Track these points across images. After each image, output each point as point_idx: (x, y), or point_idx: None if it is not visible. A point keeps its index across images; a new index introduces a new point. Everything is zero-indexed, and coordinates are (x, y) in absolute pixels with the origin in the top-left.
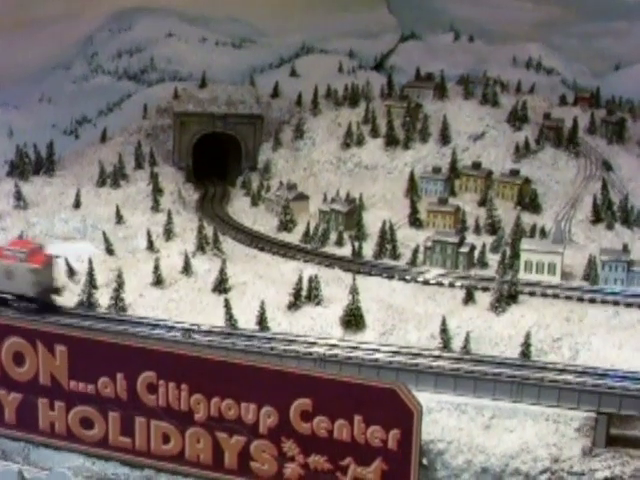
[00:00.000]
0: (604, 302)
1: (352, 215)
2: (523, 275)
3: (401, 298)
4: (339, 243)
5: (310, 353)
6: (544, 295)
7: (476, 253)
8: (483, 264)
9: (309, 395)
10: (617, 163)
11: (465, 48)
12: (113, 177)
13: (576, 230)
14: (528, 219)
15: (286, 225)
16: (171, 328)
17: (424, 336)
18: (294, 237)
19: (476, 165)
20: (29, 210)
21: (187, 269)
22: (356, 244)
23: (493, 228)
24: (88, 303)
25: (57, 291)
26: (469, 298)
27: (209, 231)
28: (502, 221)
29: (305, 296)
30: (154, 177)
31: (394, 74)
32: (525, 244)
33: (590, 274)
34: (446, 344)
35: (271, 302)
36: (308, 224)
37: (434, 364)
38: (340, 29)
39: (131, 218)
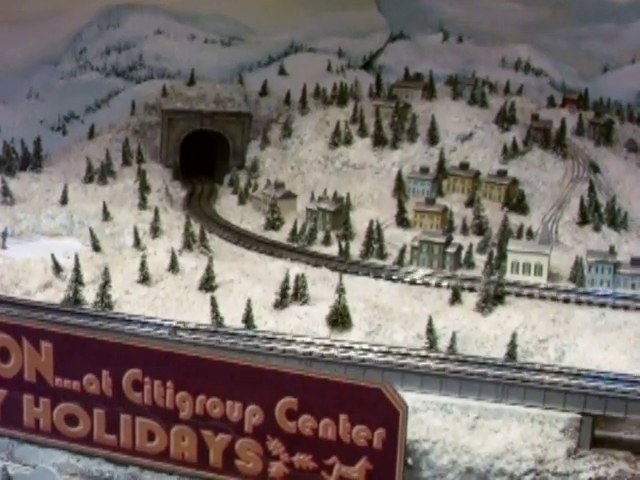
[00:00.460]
0: (590, 304)
1: (339, 214)
2: (510, 276)
3: (387, 298)
4: (326, 242)
5: (296, 352)
6: (530, 296)
7: (463, 253)
8: (470, 264)
9: (295, 394)
10: (604, 165)
11: (454, 48)
12: (100, 174)
13: (563, 231)
14: (515, 220)
15: (273, 223)
16: (157, 325)
17: (410, 336)
18: (281, 236)
19: (464, 165)
20: (15, 206)
21: (174, 267)
22: (343, 243)
23: (480, 229)
24: (74, 300)
25: None
26: (455, 298)
27: (196, 229)
28: (489, 222)
29: (292, 295)
30: (141, 174)
31: (383, 74)
32: (512, 245)
33: (577, 275)
34: (432, 344)
35: (257, 300)
36: (295, 223)
37: (420, 364)
38: (329, 28)
39: (118, 215)
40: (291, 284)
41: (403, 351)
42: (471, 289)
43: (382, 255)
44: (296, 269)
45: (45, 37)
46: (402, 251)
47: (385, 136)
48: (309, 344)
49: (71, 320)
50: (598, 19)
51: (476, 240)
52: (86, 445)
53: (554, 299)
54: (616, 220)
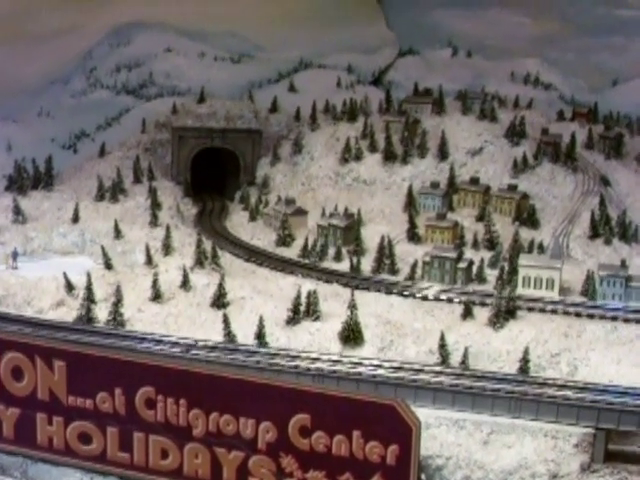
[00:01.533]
0: (602, 317)
1: (350, 230)
2: (521, 290)
3: (399, 313)
4: (337, 258)
5: (309, 369)
6: (542, 310)
7: (474, 268)
8: (481, 279)
9: (308, 411)
10: (615, 178)
11: (463, 63)
12: (111, 191)
13: (574, 245)
14: (526, 234)
15: (284, 240)
16: (170, 343)
17: (422, 351)
18: (292, 252)
19: (474, 180)
20: (27, 224)
21: (185, 284)
22: (354, 259)
23: (491, 243)
24: (87, 318)
25: None
26: (467, 313)
27: (207, 246)
28: (500, 236)
29: (304, 311)
30: (152, 192)
31: (392, 89)
32: (523, 259)
33: (588, 289)
34: (444, 359)
35: (269, 317)
36: (306, 239)
37: (432, 380)
38: (338, 44)
39: (129, 233)
40: (303, 300)
41: (416, 367)
42: (483, 304)
43: (393, 271)
44: (308, 285)
45: (55, 55)
46: (413, 266)
47: (395, 151)
48: (321, 360)
49: (84, 338)
50: (607, 32)
51: (487, 255)
52: (99, 463)
53: (566, 313)
54: (627, 233)
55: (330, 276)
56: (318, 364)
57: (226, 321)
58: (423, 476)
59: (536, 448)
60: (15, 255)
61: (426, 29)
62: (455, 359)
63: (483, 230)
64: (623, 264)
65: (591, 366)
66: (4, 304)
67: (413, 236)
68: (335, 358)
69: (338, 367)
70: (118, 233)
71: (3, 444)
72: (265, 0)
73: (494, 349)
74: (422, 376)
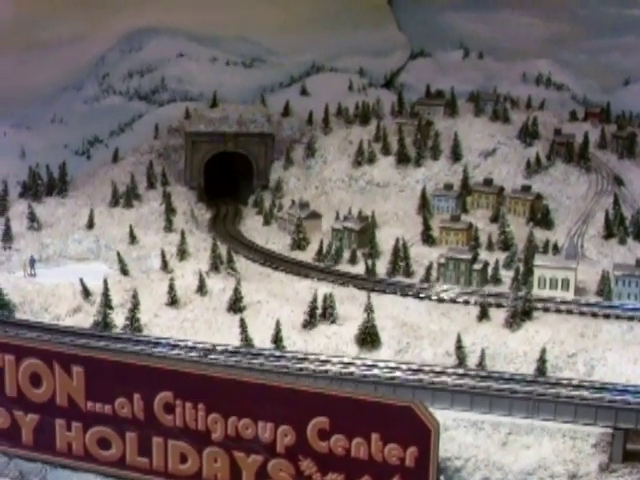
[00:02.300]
0: (618, 317)
1: (365, 233)
2: (537, 291)
3: (415, 315)
4: (352, 261)
5: (326, 371)
6: (558, 311)
7: (489, 269)
8: (496, 280)
9: (326, 414)
10: (628, 178)
11: (475, 65)
12: (126, 197)
13: (588, 245)
14: (540, 235)
15: (299, 243)
16: (187, 348)
17: (439, 353)
18: (307, 255)
19: (488, 181)
20: (42, 231)
21: (202, 289)
22: (369, 262)
23: (506, 244)
24: (104, 324)
25: None
26: (483, 315)
27: (223, 250)
28: (514, 237)
29: (320, 314)
30: (166, 197)
31: (404, 92)
32: (538, 260)
33: (604, 289)
34: (462, 361)
35: (286, 321)
36: (321, 242)
37: (450, 381)
38: (350, 47)
39: (144, 238)
40: (319, 304)
41: (433, 369)
42: (498, 305)
43: (409, 273)
44: (323, 289)
45: (68, 62)
46: (428, 268)
47: (408, 154)
48: (339, 364)
49: (101, 344)
50: (618, 32)
51: (502, 256)
52: (119, 468)
53: (582, 313)
54: None
55: (346, 279)
56: (335, 367)
57: (243, 325)
58: (442, 478)
59: (554, 448)
60: (32, 262)
61: (437, 31)
62: (472, 361)
63: (497, 231)
64: (638, 263)
65: (608, 366)
66: (21, 311)
67: (427, 238)
68: (352, 361)
69: (355, 370)
70: (133, 239)
71: (22, 450)
72: (276, 4)
73: (511, 350)
74: (440, 378)
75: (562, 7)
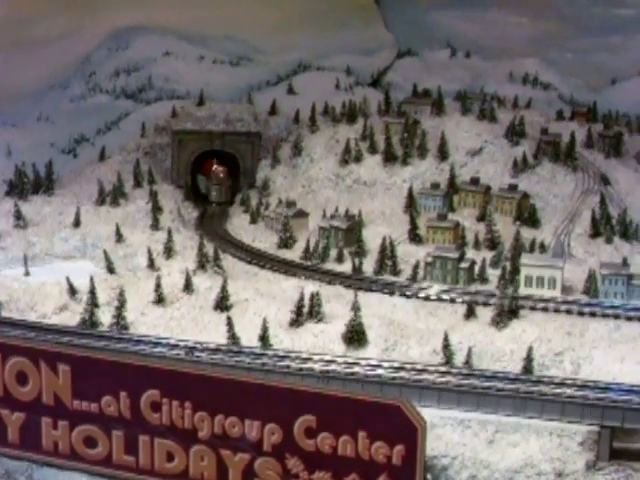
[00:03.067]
0: (605, 316)
1: (352, 231)
2: (523, 290)
3: (402, 314)
4: (339, 259)
5: (313, 370)
6: (545, 310)
7: (476, 268)
8: (483, 279)
9: (313, 412)
10: (615, 177)
11: (462, 64)
12: (112, 196)
13: (575, 244)
14: (527, 234)
15: (286, 242)
16: (174, 346)
17: (426, 352)
18: (294, 254)
19: (474, 180)
20: (29, 229)
21: (188, 287)
22: (356, 260)
23: (493, 243)
24: (90, 322)
25: None
26: (470, 313)
27: (209, 249)
28: (501, 236)
29: (307, 313)
30: (153, 195)
31: (391, 90)
32: (525, 259)
33: (590, 288)
34: (449, 360)
35: (273, 319)
36: (308, 241)
37: (437, 380)
38: (337, 46)
39: (131, 236)
40: (306, 302)
41: (420, 367)
42: (485, 304)
43: (395, 271)
44: (310, 287)
45: (54, 60)
46: (415, 267)
47: (395, 153)
48: (326, 362)
49: (88, 342)
50: (605, 32)
51: (489, 255)
52: (105, 467)
53: (569, 312)
54: (628, 232)
55: (332, 278)
56: (322, 365)
57: (230, 323)
58: (429, 476)
59: (541, 447)
60: (25, 260)
61: (424, 30)
62: (459, 359)
63: (484, 230)
64: (625, 262)
65: (594, 364)
66: (8, 309)
67: (414, 237)
68: (339, 359)
69: (342, 368)
70: (120, 237)
71: (8, 449)
72: (263, 3)
73: (498, 349)
74: (427, 376)
75: (549, 6)
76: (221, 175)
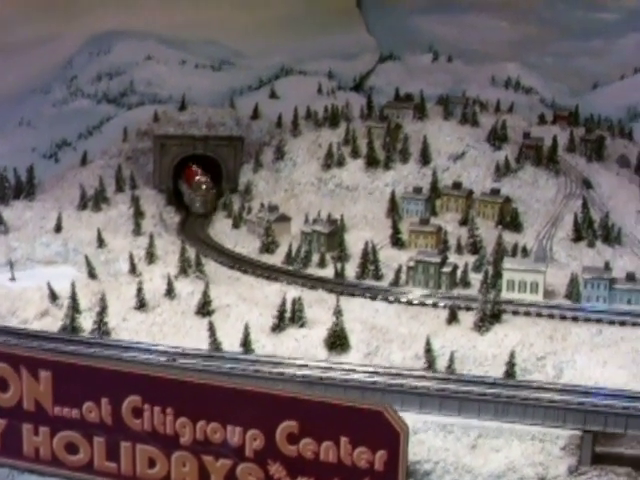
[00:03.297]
0: (587, 320)
1: (334, 236)
2: (506, 294)
3: (385, 319)
4: (322, 264)
5: (295, 375)
6: (527, 314)
7: (458, 273)
8: (466, 284)
9: (295, 417)
10: (597, 181)
11: (444, 68)
12: (94, 200)
13: (557, 248)
14: (509, 238)
15: (268, 247)
16: (155, 352)
17: (408, 356)
18: (276, 259)
19: (457, 185)
20: (10, 234)
21: (170, 292)
22: (338, 265)
23: (475, 247)
24: (71, 328)
25: None
26: (453, 318)
27: (191, 254)
28: (484, 240)
29: (289, 318)
30: (135, 200)
31: (373, 95)
32: (507, 263)
33: (572, 292)
34: (431, 364)
35: (255, 324)
36: (290, 245)
37: (419, 384)
38: (319, 50)
39: (113, 241)
40: (288, 307)
41: (402, 372)
42: (468, 308)
43: (378, 276)
44: (292, 292)
45: (36, 65)
46: (398, 272)
47: (377, 157)
48: (308, 367)
49: (69, 348)
50: (586, 36)
51: (471, 259)
52: (87, 473)
53: (551, 316)
54: (610, 236)
55: (315, 282)
56: (304, 371)
57: (212, 329)
58: None
59: (524, 451)
60: (11, 265)
61: (406, 34)
62: (441, 364)
63: (466, 234)
64: (607, 266)
65: (577, 369)
66: None
67: (397, 241)
68: (321, 364)
69: (324, 373)
70: (101, 242)
71: None
72: (245, 7)
73: (480, 353)
74: (409, 381)
75: (530, 10)
76: (203, 186)
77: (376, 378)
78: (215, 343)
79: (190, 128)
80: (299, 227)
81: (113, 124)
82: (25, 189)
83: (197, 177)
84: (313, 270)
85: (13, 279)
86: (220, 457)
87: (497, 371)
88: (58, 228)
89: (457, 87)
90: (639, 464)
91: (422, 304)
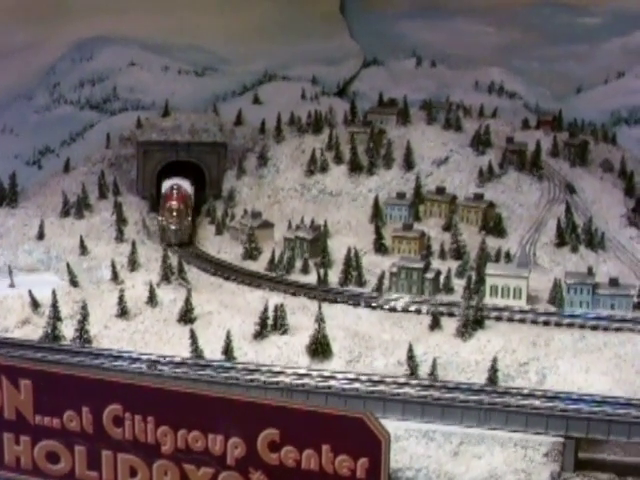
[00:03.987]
0: (570, 326)
1: (317, 242)
2: (489, 300)
3: (367, 325)
4: (304, 271)
5: (277, 383)
6: (510, 320)
7: (442, 278)
8: (449, 289)
9: (276, 425)
10: (580, 186)
11: (427, 73)
12: (77, 207)
13: (541, 254)
14: (493, 243)
15: (251, 253)
16: (136, 360)
17: (391, 363)
18: (259, 265)
19: (440, 190)
20: None
21: (152, 299)
22: (321, 271)
23: (458, 253)
24: (53, 336)
25: None
26: (435, 324)
27: (174, 260)
28: (467, 246)
29: (271, 325)
30: (118, 207)
31: (357, 100)
32: (490, 269)
33: (556, 297)
34: (413, 371)
35: (237, 332)
36: (273, 252)
37: (401, 391)
38: (302, 56)
39: (95, 249)
40: (270, 314)
41: (384, 379)
42: (451, 314)
43: (361, 282)
44: (275, 299)
45: (18, 71)
46: (381, 278)
47: (361, 162)
48: (290, 375)
49: (50, 356)
50: (570, 40)
51: (454, 264)
52: None
53: (534, 322)
54: (593, 241)
55: (297, 289)
56: (286, 378)
57: (193, 336)
58: None
59: (506, 458)
60: (10, 271)
61: (390, 39)
62: (424, 370)
63: (450, 240)
64: (590, 272)
65: (560, 374)
66: None
67: (380, 247)
68: (303, 372)
69: (306, 381)
70: (84, 249)
71: None
72: (228, 13)
73: (463, 359)
74: (391, 388)
75: (514, 15)
76: (174, 213)
77: (357, 385)
78: (197, 351)
79: (173, 134)
80: (282, 233)
81: (96, 130)
82: (7, 196)
83: (170, 202)
84: (296, 276)
85: (12, 285)
86: (202, 465)
87: (480, 377)
88: (40, 235)
89: (441, 92)
90: (622, 470)
91: (405, 310)
